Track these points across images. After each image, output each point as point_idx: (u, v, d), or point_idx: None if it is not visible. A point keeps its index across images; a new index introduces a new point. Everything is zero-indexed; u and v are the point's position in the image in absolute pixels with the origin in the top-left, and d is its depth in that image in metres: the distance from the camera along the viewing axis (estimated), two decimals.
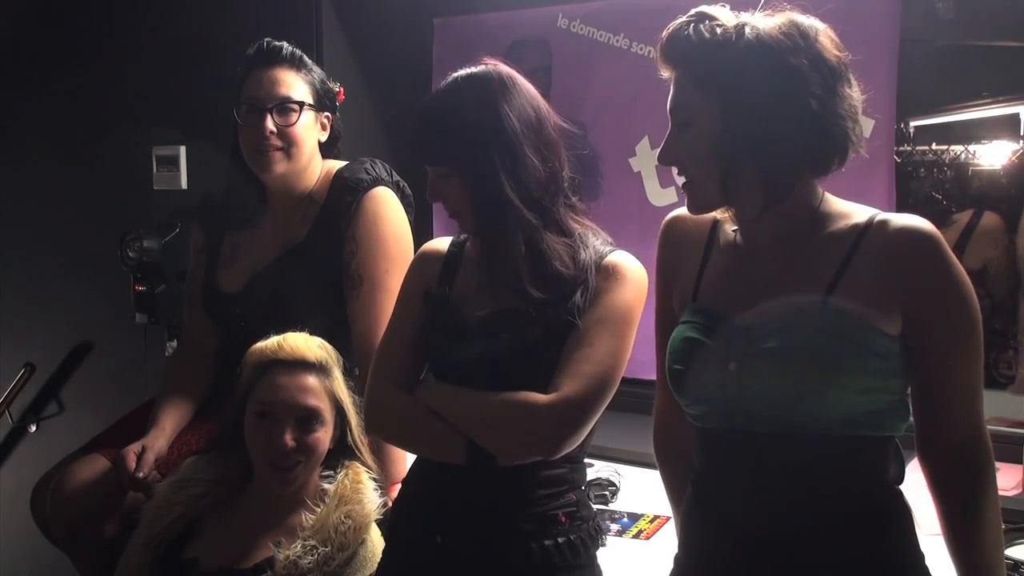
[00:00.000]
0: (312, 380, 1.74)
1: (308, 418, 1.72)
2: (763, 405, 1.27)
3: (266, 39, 2.10)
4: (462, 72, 1.58)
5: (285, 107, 2.07)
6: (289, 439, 1.70)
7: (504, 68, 1.58)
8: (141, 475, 1.98)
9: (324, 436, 1.74)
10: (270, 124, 2.05)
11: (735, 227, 1.39)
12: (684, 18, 1.32)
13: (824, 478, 1.27)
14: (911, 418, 1.32)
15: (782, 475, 1.28)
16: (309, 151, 2.12)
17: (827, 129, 1.27)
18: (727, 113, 1.27)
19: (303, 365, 1.74)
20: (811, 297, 1.27)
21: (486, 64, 1.58)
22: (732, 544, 1.31)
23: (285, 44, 2.10)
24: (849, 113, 1.29)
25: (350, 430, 1.79)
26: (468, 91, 1.55)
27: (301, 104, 2.08)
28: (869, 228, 1.29)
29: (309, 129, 2.11)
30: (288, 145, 2.07)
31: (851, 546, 1.27)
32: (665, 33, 1.33)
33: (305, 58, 2.13)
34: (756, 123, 1.26)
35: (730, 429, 1.31)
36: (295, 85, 2.09)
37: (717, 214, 1.41)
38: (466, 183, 1.54)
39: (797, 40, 1.26)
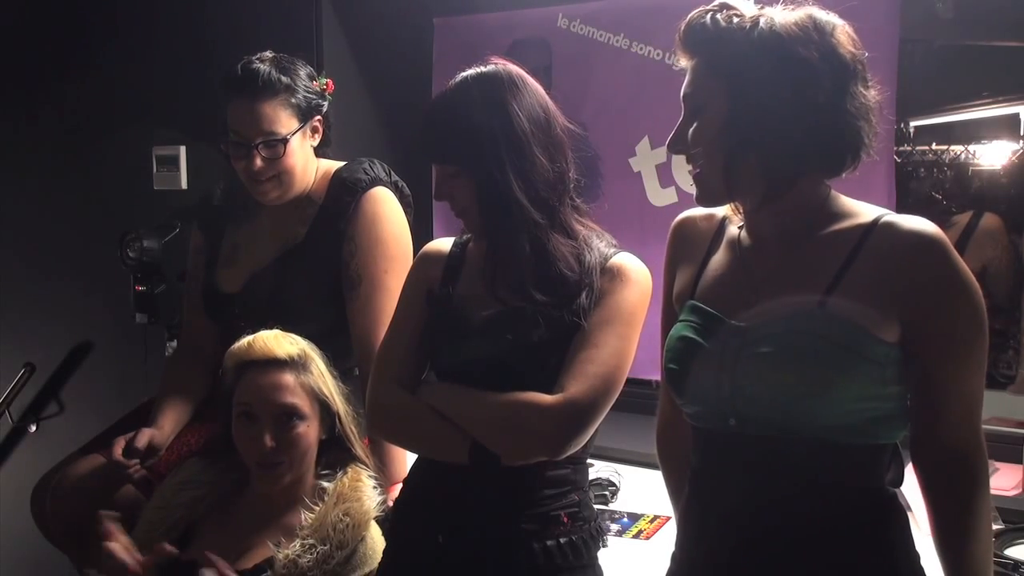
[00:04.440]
0: (286, 377, 1.72)
1: (286, 415, 1.71)
2: (755, 407, 1.26)
3: (241, 62, 2.03)
4: (471, 71, 1.57)
5: (270, 143, 2.02)
6: (268, 439, 1.69)
7: (514, 68, 1.58)
8: (132, 460, 1.97)
9: (306, 431, 1.73)
10: (258, 161, 2.02)
11: (740, 224, 1.38)
12: (705, 8, 1.31)
13: (817, 481, 1.26)
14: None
15: (775, 476, 1.27)
16: (301, 168, 2.09)
17: (834, 124, 1.25)
18: (733, 100, 1.26)
19: (275, 363, 1.73)
20: (808, 299, 1.25)
21: (495, 63, 1.57)
22: (727, 543, 1.30)
23: (261, 68, 2.01)
24: (860, 112, 1.26)
25: (339, 420, 1.77)
26: (477, 89, 1.54)
27: (286, 139, 2.03)
28: (874, 229, 1.26)
29: (298, 152, 2.06)
30: (279, 174, 2.05)
31: (845, 548, 1.26)
32: (684, 22, 1.32)
33: (283, 76, 2.03)
34: (761, 112, 1.24)
35: (724, 429, 1.30)
36: (277, 117, 2.02)
37: (726, 211, 1.40)
38: (474, 182, 1.53)
39: (810, 33, 1.25)
